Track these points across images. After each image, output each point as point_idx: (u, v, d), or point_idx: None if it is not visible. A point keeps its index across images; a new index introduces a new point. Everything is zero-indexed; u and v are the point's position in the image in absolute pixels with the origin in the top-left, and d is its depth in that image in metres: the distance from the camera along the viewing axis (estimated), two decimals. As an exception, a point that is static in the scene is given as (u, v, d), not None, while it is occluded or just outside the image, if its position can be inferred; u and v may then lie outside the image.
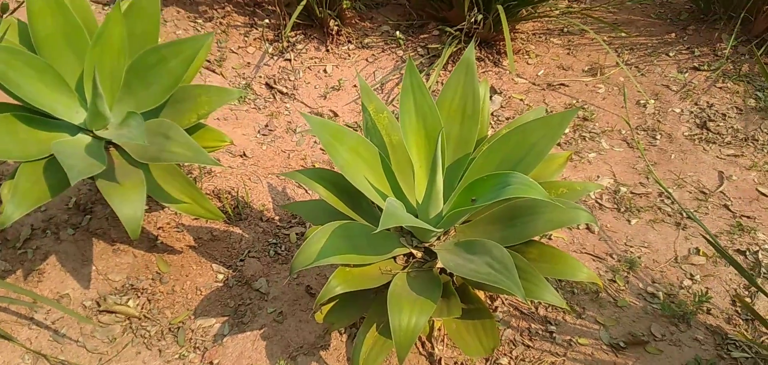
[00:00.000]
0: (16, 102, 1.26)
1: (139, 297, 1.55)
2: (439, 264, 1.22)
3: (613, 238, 1.77)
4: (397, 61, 2.46)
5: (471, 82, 1.20)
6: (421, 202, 1.20)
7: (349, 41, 2.53)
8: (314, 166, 2.01)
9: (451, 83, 1.22)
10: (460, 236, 1.23)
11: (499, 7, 2.10)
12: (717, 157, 2.01)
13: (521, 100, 2.27)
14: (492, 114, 2.20)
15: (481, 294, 1.22)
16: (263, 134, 2.11)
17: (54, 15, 1.20)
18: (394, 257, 1.24)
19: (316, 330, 1.51)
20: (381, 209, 1.28)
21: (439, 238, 1.24)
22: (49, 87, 1.18)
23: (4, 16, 1.14)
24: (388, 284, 1.18)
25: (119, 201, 1.16)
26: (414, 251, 1.23)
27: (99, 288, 1.55)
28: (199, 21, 2.52)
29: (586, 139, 2.11)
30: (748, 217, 1.79)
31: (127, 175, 1.21)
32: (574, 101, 2.26)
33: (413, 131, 1.18)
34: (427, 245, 1.24)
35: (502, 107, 2.24)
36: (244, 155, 2.00)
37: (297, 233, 1.77)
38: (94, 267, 1.59)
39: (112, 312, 1.50)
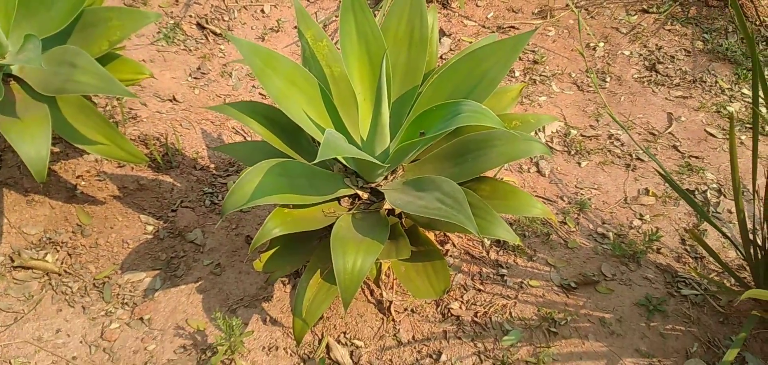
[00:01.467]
0: None
1: (58, 251, 1.40)
2: (387, 205, 1.14)
3: (563, 181, 1.73)
4: (340, 0, 2.33)
5: (418, 7, 1.10)
6: (366, 138, 1.10)
7: (290, -20, 2.38)
8: (253, 111, 1.87)
9: (396, 8, 1.12)
10: (409, 175, 1.15)
11: (448, -59, 1.99)
12: (666, 98, 2.00)
13: (470, 42, 2.19)
14: (440, 57, 2.11)
15: (431, 236, 1.15)
16: (195, 78, 1.95)
17: None
18: (339, 199, 1.15)
19: (257, 282, 1.41)
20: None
21: (386, 178, 1.16)
22: None
23: None
24: (332, 227, 1.09)
25: (20, 139, 1.01)
26: (359, 192, 1.14)
27: (12, 242, 1.40)
28: (124, -46, 2.30)
29: (537, 82, 2.06)
30: (696, 157, 1.79)
31: (28, 110, 1.06)
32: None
33: (355, 57, 1.08)
34: (373, 185, 1.15)
35: (451, 49, 2.15)
36: (174, 99, 1.84)
37: (234, 181, 1.65)
38: (5, 220, 1.43)
39: (27, 268, 1.36)
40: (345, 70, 1.15)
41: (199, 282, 1.40)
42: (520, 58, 2.17)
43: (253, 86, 1.97)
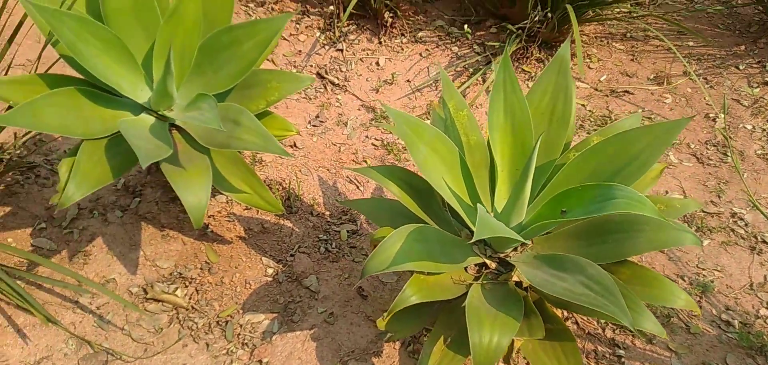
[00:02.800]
0: (78, 76, 1.20)
1: (187, 286, 1.48)
2: (516, 277, 1.13)
3: (683, 259, 1.66)
4: (452, 57, 2.37)
5: (563, 82, 1.10)
6: (502, 209, 1.11)
7: (403, 34, 2.45)
8: (365, 162, 1.93)
9: (541, 82, 1.13)
10: (539, 248, 1.14)
11: (569, 6, 1.99)
12: (796, 179, 1.88)
13: (583, 105, 2.16)
14: (553, 119, 2.09)
15: (559, 312, 1.13)
16: (314, 126, 2.03)
17: None
18: (466, 267, 1.15)
19: (368, 335, 1.43)
20: (454, 212, 1.20)
21: (515, 249, 1.15)
22: (116, 62, 1.11)
23: None
24: (458, 295, 1.09)
25: (184, 187, 1.09)
26: (487, 261, 1.14)
27: (146, 274, 1.49)
28: (251, 5, 2.45)
29: (653, 151, 1.99)
30: (834, 246, 1.66)
31: (191, 160, 1.14)
32: (640, 110, 2.14)
33: (500, 131, 1.09)
34: (502, 255, 1.15)
35: (563, 111, 2.13)
36: (295, 145, 1.92)
37: (348, 231, 1.69)
38: (141, 253, 1.53)
39: (159, 301, 1.44)
40: (481, 140, 1.17)
41: (314, 330, 1.44)
42: (634, 126, 2.11)
43: (366, 136, 2.02)
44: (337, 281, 1.55)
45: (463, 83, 2.25)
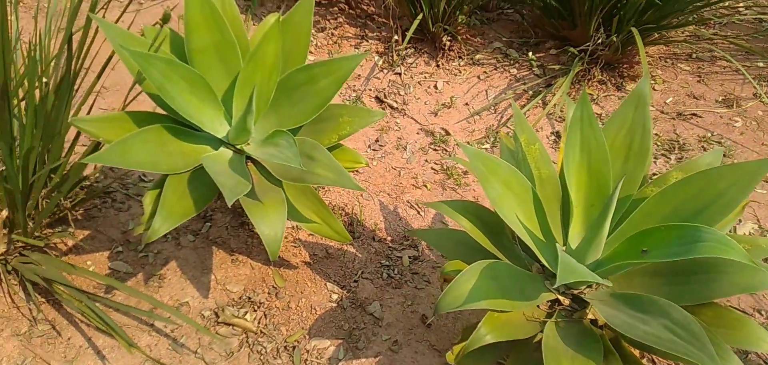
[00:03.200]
0: (160, 111, 1.26)
1: (256, 310, 1.52)
2: (591, 315, 1.11)
3: (764, 294, 1.59)
4: (510, 79, 2.35)
5: (641, 117, 1.08)
6: (577, 245, 1.09)
7: (460, 57, 2.45)
8: (426, 186, 1.93)
9: (618, 117, 1.11)
10: (616, 286, 1.12)
11: (634, 29, 1.95)
12: None
13: (649, 129, 2.10)
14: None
15: (636, 352, 1.10)
16: (374, 150, 2.05)
17: (210, 29, 1.18)
18: (538, 304, 1.14)
19: (432, 364, 1.43)
20: (524, 246, 1.19)
21: (590, 285, 1.13)
22: (200, 100, 1.16)
23: (163, 25, 1.14)
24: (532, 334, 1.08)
25: (260, 220, 1.12)
26: (561, 298, 1.13)
27: (217, 298, 1.53)
28: (312, 31, 2.50)
29: (724, 177, 1.93)
30: None
31: (266, 193, 1.17)
32: (708, 134, 2.08)
33: (575, 167, 1.08)
34: (576, 292, 1.13)
35: (627, 136, 2.08)
36: (356, 170, 1.95)
37: (410, 257, 1.70)
38: (213, 276, 1.57)
39: (229, 325, 1.48)
40: (553, 173, 1.16)
41: (378, 358, 1.45)
42: (703, 149, 2.04)
43: (425, 160, 2.03)
44: (400, 308, 1.56)
45: (522, 106, 2.23)
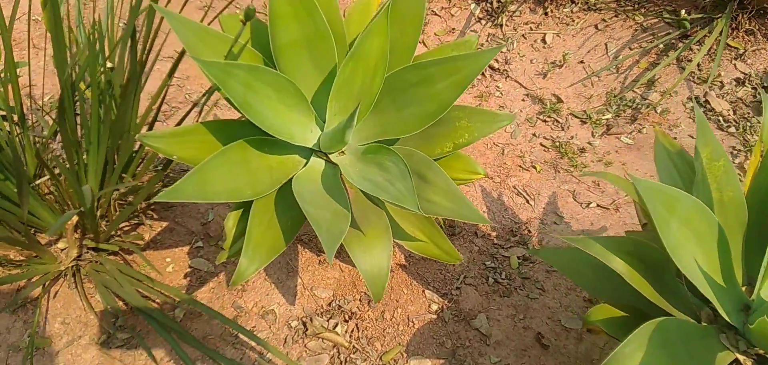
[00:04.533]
0: (235, 115, 1.08)
1: (347, 321, 1.36)
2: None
3: None
4: (635, 29, 1.99)
5: None
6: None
7: (573, 2, 2.10)
8: (535, 168, 1.67)
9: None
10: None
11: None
12: None
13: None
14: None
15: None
16: (474, 121, 1.80)
17: (300, 21, 0.96)
18: None
19: (550, 394, 1.23)
20: (692, 287, 0.94)
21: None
22: (289, 108, 0.96)
23: (246, 23, 0.93)
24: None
25: (360, 253, 0.93)
26: (741, 358, 0.88)
27: (305, 305, 1.39)
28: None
29: None
30: None
31: (366, 216, 0.98)
32: None
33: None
34: (761, 351, 0.87)
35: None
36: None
37: (518, 257, 1.47)
38: (299, 280, 1.42)
39: (319, 337, 1.34)
40: (738, 195, 0.89)
41: (486, 383, 1.26)
42: None
43: (533, 134, 1.76)
44: (509, 322, 1.35)
45: (651, 63, 1.88)
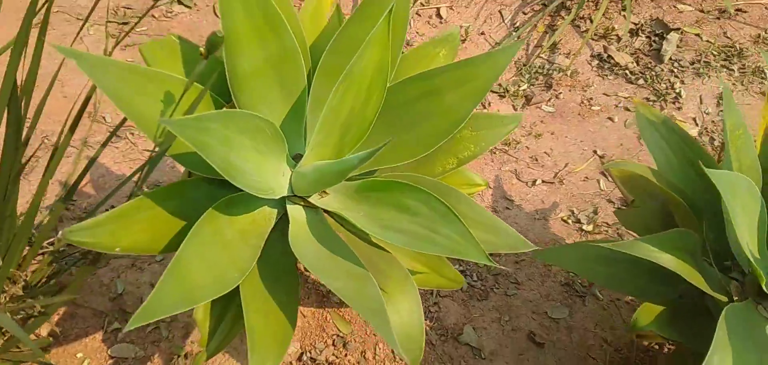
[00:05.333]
0: (179, 167, 0.82)
1: (325, 376, 1.17)
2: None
3: None
4: None
5: None
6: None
7: (459, -28, 2.04)
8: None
9: None
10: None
11: None
12: None
13: (698, 35, 1.84)
14: (671, 60, 1.77)
15: None
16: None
17: (265, 42, 0.74)
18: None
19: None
20: (728, 268, 0.91)
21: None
22: (264, 155, 0.73)
23: (208, 56, 0.67)
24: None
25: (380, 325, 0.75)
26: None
27: (271, 370, 1.16)
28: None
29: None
30: None
31: (373, 263, 0.80)
32: (761, 32, 1.84)
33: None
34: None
35: (679, 47, 1.81)
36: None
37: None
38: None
39: (298, 406, 1.13)
40: (754, 160, 0.87)
41: (493, 401, 1.17)
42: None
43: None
44: (496, 327, 1.26)
45: (548, 26, 1.89)
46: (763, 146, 0.91)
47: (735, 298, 0.91)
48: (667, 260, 0.81)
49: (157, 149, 0.74)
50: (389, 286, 0.80)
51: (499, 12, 1.96)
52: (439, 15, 1.95)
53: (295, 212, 0.83)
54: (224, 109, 0.80)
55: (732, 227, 0.78)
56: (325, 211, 0.85)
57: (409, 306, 0.81)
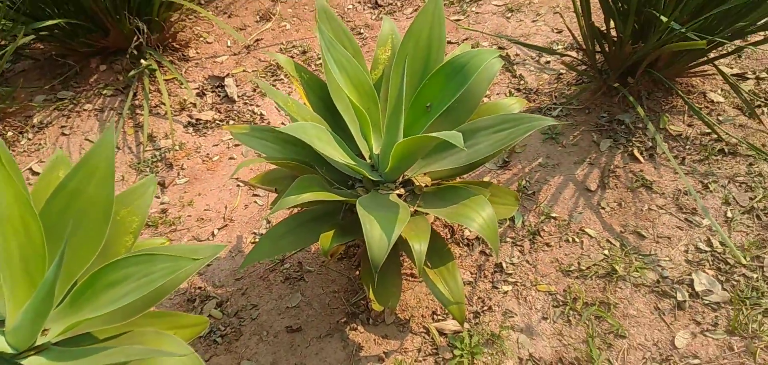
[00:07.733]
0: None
1: None
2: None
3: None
4: (95, 113, 2.12)
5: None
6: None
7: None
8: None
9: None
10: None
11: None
12: None
13: (244, 71, 2.32)
14: (239, 96, 2.19)
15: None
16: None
17: None
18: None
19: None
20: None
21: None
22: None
23: None
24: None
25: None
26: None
27: None
28: None
29: None
30: None
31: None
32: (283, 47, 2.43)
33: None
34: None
35: (238, 85, 2.25)
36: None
37: (217, 305, 1.57)
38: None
39: None
40: (312, 115, 1.34)
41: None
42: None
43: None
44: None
45: (124, 128, 2.09)
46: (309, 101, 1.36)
47: (362, 194, 1.35)
48: (306, 197, 1.16)
49: None
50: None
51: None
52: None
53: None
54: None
55: (335, 159, 1.19)
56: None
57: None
